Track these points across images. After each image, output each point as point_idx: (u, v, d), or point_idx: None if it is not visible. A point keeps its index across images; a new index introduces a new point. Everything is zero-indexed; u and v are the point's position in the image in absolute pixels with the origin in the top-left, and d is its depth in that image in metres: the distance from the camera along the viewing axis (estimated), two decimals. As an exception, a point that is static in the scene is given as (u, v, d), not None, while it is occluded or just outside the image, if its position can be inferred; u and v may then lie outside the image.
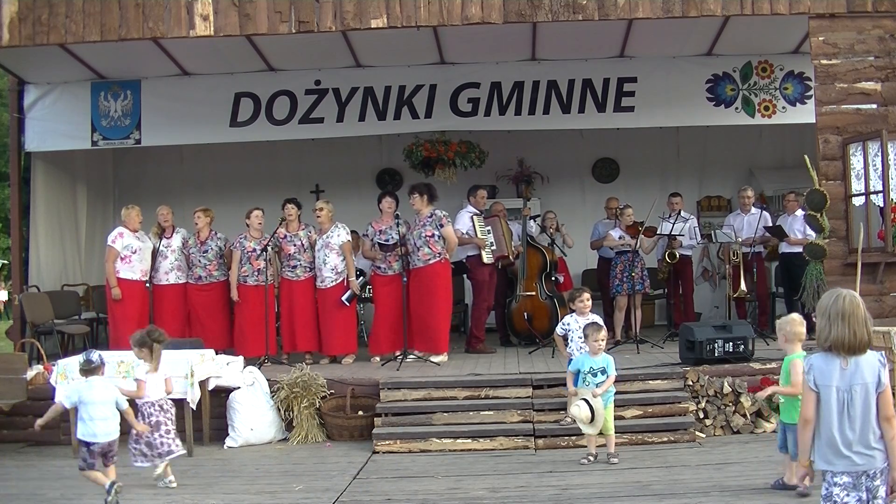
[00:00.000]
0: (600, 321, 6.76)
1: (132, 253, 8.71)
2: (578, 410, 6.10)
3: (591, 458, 6.17)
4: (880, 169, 7.34)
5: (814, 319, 3.68)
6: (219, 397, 7.32)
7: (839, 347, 3.33)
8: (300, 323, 8.75)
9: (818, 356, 3.43)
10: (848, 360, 3.34)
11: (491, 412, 7.00)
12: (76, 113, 10.24)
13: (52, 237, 10.77)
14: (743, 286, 9.35)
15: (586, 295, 6.87)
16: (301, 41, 8.80)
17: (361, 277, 9.03)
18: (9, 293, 13.97)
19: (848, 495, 3.32)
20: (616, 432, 6.58)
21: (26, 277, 10.24)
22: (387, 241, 8.62)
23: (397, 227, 8.55)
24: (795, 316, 5.35)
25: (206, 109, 10.25)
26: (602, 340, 6.24)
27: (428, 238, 8.48)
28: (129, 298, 8.67)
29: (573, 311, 6.99)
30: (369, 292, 9.35)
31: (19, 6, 7.74)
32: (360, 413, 7.26)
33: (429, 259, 8.48)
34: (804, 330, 5.26)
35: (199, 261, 8.93)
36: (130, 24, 7.71)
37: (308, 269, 8.83)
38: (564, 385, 6.68)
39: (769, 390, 5.66)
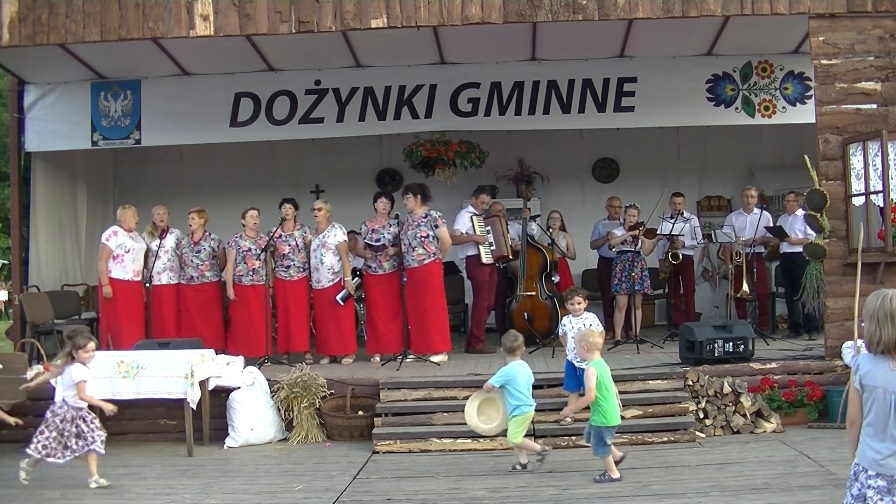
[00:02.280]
0: (594, 321, 6.74)
1: (125, 252, 8.71)
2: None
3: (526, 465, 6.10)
4: (880, 169, 7.33)
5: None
6: (219, 397, 7.32)
7: (892, 349, 3.26)
8: (293, 323, 8.76)
9: (866, 357, 3.35)
10: None
11: (491, 412, 7.00)
12: (76, 113, 10.24)
13: (52, 237, 10.77)
14: (745, 287, 9.34)
15: (577, 298, 6.86)
16: (301, 41, 8.81)
17: (358, 278, 9.04)
18: (9, 293, 13.96)
19: (882, 500, 3.26)
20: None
21: (26, 277, 10.24)
22: (377, 241, 8.63)
23: (392, 226, 8.56)
24: (595, 328, 5.92)
25: (206, 109, 10.25)
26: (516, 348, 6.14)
27: (423, 239, 8.49)
28: (119, 298, 8.66)
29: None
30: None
31: (19, 6, 7.74)
32: (360, 413, 7.26)
33: (423, 259, 8.49)
34: (602, 341, 5.90)
35: (192, 261, 8.92)
36: (130, 24, 7.71)
37: (302, 270, 8.84)
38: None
39: (567, 410, 6.32)
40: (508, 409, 5.96)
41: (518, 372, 5.99)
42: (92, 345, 5.97)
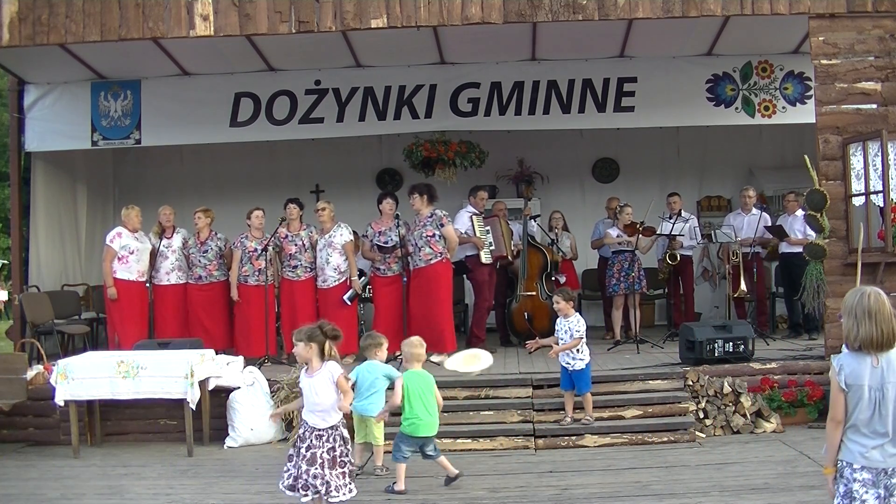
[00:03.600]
0: (577, 322, 6.71)
1: (129, 253, 8.73)
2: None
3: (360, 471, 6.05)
4: (880, 169, 7.33)
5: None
6: (219, 397, 7.32)
7: (869, 346, 3.31)
8: (300, 323, 8.72)
9: (848, 356, 3.40)
10: (879, 359, 3.32)
11: (491, 412, 7.00)
12: (76, 113, 10.23)
13: (52, 237, 10.78)
14: (743, 286, 9.35)
15: (555, 298, 6.89)
16: (301, 41, 8.81)
17: (363, 278, 9.04)
18: (9, 293, 13.95)
19: (867, 492, 3.32)
20: (616, 432, 6.60)
21: (26, 277, 10.24)
22: (386, 242, 8.62)
23: (397, 227, 8.56)
24: (415, 339, 5.98)
25: (206, 109, 10.24)
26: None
27: (429, 238, 8.48)
28: (125, 299, 8.69)
29: None
30: (370, 292, 9.36)
31: (19, 6, 7.74)
32: (360, 413, 7.25)
33: (430, 259, 8.48)
34: (423, 352, 5.92)
35: (199, 261, 8.94)
36: (130, 24, 7.71)
37: (309, 270, 8.85)
38: (564, 385, 6.74)
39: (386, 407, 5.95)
40: None
41: (360, 373, 6.03)
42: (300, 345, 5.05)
